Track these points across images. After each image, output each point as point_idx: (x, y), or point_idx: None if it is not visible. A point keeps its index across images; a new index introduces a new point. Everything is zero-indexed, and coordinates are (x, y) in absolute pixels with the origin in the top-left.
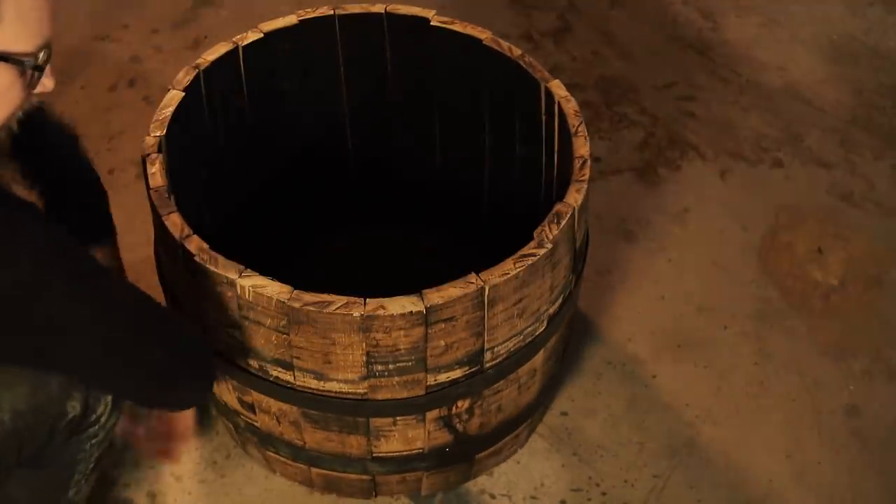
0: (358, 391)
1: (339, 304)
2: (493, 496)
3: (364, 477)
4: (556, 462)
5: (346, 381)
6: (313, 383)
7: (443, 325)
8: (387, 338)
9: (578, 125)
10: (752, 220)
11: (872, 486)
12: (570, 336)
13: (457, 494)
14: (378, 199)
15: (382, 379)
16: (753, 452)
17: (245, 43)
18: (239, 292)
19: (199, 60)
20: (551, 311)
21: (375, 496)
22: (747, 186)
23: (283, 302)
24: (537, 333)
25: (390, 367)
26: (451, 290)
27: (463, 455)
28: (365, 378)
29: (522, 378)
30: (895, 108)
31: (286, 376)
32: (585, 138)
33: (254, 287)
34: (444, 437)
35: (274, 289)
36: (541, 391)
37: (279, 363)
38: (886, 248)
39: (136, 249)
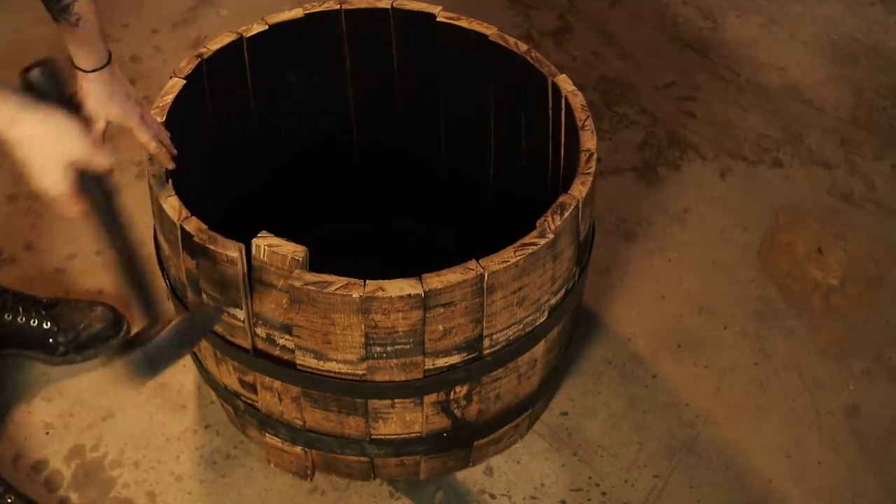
0: (357, 372)
1: (339, 285)
2: (493, 496)
3: (362, 459)
4: (556, 462)
5: (345, 362)
6: (313, 363)
7: (441, 310)
8: (385, 319)
9: (585, 119)
10: (752, 220)
11: (872, 486)
12: (575, 329)
13: (457, 494)
14: (383, 193)
15: (381, 361)
16: (753, 452)
17: (249, 34)
18: (255, 252)
19: (203, 50)
20: (553, 301)
21: (374, 478)
22: (747, 186)
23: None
24: (538, 324)
25: (388, 349)
26: (451, 276)
27: (461, 441)
28: (363, 359)
29: (522, 367)
30: (895, 108)
31: (288, 356)
32: (592, 132)
33: (269, 246)
34: (442, 421)
35: (288, 248)
36: (542, 382)
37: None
38: (886, 248)
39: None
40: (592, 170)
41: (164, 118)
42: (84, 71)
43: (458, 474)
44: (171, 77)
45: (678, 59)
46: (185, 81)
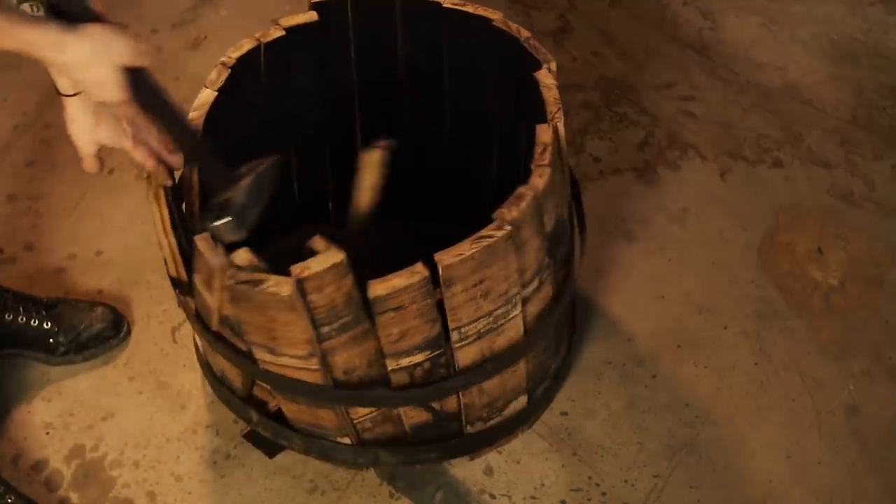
0: (311, 366)
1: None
2: (493, 496)
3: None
4: (556, 462)
5: (296, 357)
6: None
7: (392, 314)
8: (320, 297)
9: (556, 112)
10: (752, 220)
11: (872, 486)
12: (565, 324)
13: (457, 494)
14: (385, 190)
15: (332, 341)
16: (753, 452)
17: (267, 40)
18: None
19: (225, 59)
20: (524, 294)
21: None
22: (747, 186)
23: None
24: (510, 316)
25: (335, 325)
26: (397, 280)
27: (449, 428)
28: (318, 341)
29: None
30: (895, 108)
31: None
32: (553, 127)
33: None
34: (421, 415)
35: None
36: (528, 376)
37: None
38: (886, 248)
39: (135, 250)
40: (546, 162)
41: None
42: (66, 95)
43: (459, 474)
44: (204, 88)
45: (678, 59)
46: (216, 93)
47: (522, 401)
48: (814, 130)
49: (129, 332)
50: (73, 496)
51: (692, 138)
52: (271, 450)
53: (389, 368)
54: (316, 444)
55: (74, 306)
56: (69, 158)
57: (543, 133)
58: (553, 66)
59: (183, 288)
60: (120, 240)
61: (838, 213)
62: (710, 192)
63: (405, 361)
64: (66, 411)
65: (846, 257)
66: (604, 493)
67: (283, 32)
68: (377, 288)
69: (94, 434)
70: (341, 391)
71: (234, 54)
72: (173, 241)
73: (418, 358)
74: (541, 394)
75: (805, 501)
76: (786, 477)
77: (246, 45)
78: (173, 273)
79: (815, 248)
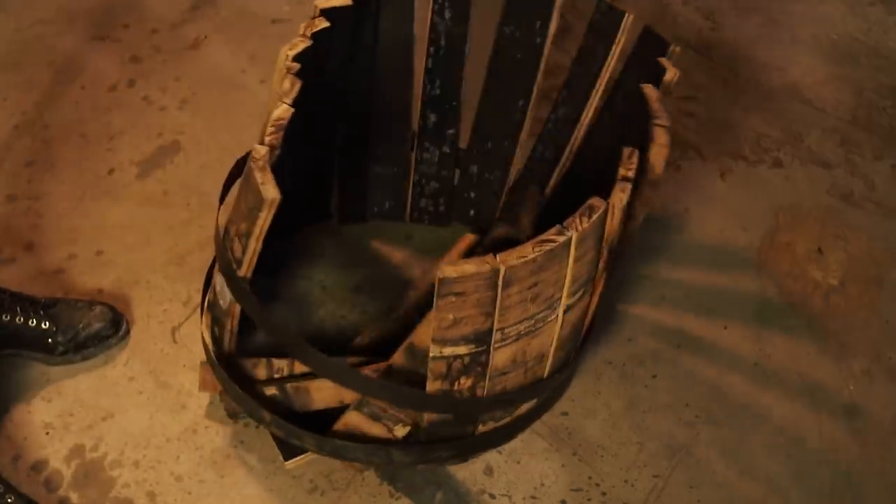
0: None
1: None
2: (493, 496)
3: None
4: (556, 462)
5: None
6: None
7: (453, 299)
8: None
9: (660, 111)
10: (752, 220)
11: (872, 486)
12: (585, 326)
13: (457, 494)
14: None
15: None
16: (753, 452)
17: (315, 30)
18: None
19: (290, 64)
20: (569, 302)
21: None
22: (747, 186)
23: None
24: (548, 320)
25: None
26: (466, 267)
27: (464, 427)
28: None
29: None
30: (895, 108)
31: None
32: (666, 131)
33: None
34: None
35: None
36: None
37: None
38: (886, 248)
39: (135, 250)
40: (631, 173)
41: (280, 141)
42: None
43: (458, 474)
44: (279, 103)
45: (678, 58)
46: (293, 108)
47: (533, 400)
48: (814, 130)
49: (128, 331)
50: (73, 496)
51: (692, 138)
52: (288, 453)
53: (431, 355)
54: (328, 443)
55: (73, 306)
56: (69, 158)
57: (661, 135)
58: (675, 49)
59: (243, 290)
60: (120, 240)
61: (838, 213)
62: (710, 192)
63: (448, 351)
64: (66, 411)
65: (846, 257)
66: (604, 493)
67: (328, 24)
68: (448, 270)
69: (94, 434)
70: (447, 400)
71: (291, 52)
72: (260, 247)
73: (462, 350)
74: (550, 393)
75: (805, 501)
76: (786, 477)
77: (300, 45)
78: (243, 274)
79: (815, 248)
